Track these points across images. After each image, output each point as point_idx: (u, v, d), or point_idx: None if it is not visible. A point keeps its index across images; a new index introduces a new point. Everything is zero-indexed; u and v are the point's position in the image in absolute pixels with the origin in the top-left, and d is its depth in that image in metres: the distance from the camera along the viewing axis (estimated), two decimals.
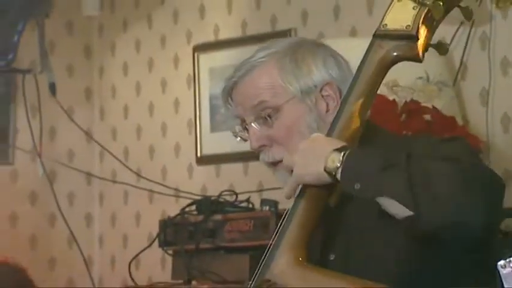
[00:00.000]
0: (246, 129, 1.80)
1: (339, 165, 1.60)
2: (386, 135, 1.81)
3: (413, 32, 1.69)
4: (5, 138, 3.69)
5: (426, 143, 1.73)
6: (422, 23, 1.70)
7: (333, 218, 1.74)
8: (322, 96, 1.78)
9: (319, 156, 1.62)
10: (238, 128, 1.82)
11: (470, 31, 2.89)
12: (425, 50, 1.72)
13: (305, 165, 1.64)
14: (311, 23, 3.29)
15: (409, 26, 1.69)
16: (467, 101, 2.96)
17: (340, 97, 1.77)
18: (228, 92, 1.81)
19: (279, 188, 3.29)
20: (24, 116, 3.63)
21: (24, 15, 3.33)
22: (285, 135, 1.76)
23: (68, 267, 3.77)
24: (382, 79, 1.74)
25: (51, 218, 3.77)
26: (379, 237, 1.70)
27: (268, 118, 1.77)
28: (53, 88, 3.57)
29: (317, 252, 1.74)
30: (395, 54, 1.70)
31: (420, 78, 2.79)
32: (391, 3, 1.73)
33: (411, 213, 1.57)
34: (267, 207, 2.95)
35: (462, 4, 1.75)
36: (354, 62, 2.03)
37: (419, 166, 1.58)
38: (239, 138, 1.83)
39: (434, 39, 1.74)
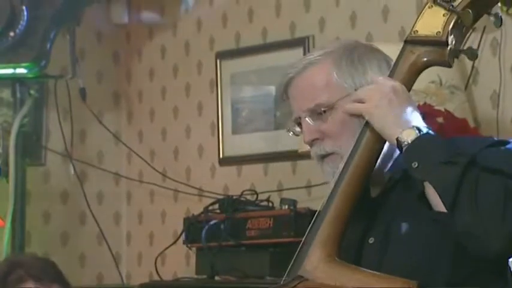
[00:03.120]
0: (299, 124, 1.78)
1: (409, 141, 1.63)
2: None
3: (444, 38, 1.67)
4: (38, 140, 3.68)
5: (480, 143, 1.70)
6: (452, 29, 1.67)
7: (374, 206, 1.72)
8: None
9: (401, 121, 1.64)
10: (291, 123, 1.80)
11: (481, 37, 2.85)
12: (455, 55, 1.69)
13: (384, 111, 1.65)
14: (328, 30, 3.26)
15: (439, 32, 1.67)
16: (479, 104, 2.92)
17: None
18: (285, 87, 1.78)
19: (298, 187, 3.28)
20: (56, 119, 3.62)
21: (56, 24, 3.32)
22: (338, 130, 1.74)
23: (97, 263, 3.76)
24: (413, 83, 1.72)
25: (81, 216, 3.76)
26: (418, 224, 1.68)
27: (323, 113, 1.74)
28: (83, 93, 3.56)
29: (357, 236, 1.71)
30: (425, 59, 1.69)
31: (433, 82, 2.76)
32: (422, 9, 1.70)
33: (445, 210, 1.59)
34: (286, 206, 2.93)
35: (491, 11, 1.72)
36: None
37: (474, 174, 1.59)
38: (291, 133, 1.81)
39: None
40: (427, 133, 1.64)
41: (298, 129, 1.78)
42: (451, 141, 1.74)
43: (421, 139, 1.63)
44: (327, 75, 1.74)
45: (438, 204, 1.61)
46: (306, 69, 1.75)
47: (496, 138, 1.77)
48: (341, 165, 1.71)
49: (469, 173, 1.59)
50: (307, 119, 1.75)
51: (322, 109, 1.74)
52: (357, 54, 1.76)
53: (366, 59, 1.76)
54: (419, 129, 1.64)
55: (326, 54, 1.76)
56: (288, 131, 1.81)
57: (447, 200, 1.59)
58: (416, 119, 1.66)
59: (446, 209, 1.59)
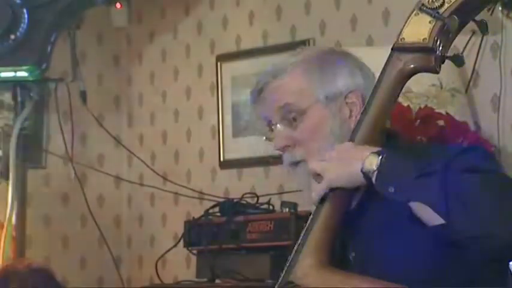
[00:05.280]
0: (271, 130, 1.79)
1: (375, 168, 1.60)
2: (406, 143, 1.79)
3: (430, 45, 1.68)
4: (39, 143, 3.69)
5: (449, 154, 1.68)
6: (438, 35, 1.69)
7: (353, 218, 1.71)
8: (347, 103, 1.76)
9: (356, 157, 1.62)
10: (266, 129, 1.81)
11: (482, 40, 2.86)
12: (441, 61, 1.70)
13: (339, 167, 1.63)
14: (329, 32, 3.27)
15: (425, 38, 1.69)
16: (479, 107, 2.93)
17: (364, 105, 1.75)
18: (257, 94, 1.80)
19: (299, 190, 3.29)
20: (57, 122, 3.62)
21: (56, 27, 3.33)
22: (308, 138, 1.75)
23: (97, 266, 3.76)
24: (401, 90, 1.73)
25: (82, 219, 3.76)
26: (398, 238, 1.67)
27: (293, 120, 1.76)
28: (83, 96, 3.57)
29: (338, 249, 1.71)
30: (412, 66, 1.70)
31: (434, 85, 2.77)
32: (408, 17, 1.72)
33: (443, 221, 1.56)
34: (287, 209, 2.94)
35: (477, 18, 1.74)
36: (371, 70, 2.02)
37: (454, 177, 1.57)
38: (266, 138, 1.81)
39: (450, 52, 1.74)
40: (385, 153, 1.61)
41: (272, 135, 1.79)
42: (420, 148, 1.73)
43: (385, 161, 1.60)
44: (297, 82, 1.76)
45: (431, 219, 1.59)
46: (277, 76, 1.77)
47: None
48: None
49: (449, 177, 1.57)
50: (278, 125, 1.77)
51: (293, 115, 1.75)
52: (328, 61, 1.77)
53: (337, 66, 1.77)
54: (377, 153, 1.61)
55: (298, 62, 1.78)
56: (266, 139, 1.81)
57: (442, 211, 1.56)
58: (368, 148, 1.64)
59: (444, 219, 1.57)
